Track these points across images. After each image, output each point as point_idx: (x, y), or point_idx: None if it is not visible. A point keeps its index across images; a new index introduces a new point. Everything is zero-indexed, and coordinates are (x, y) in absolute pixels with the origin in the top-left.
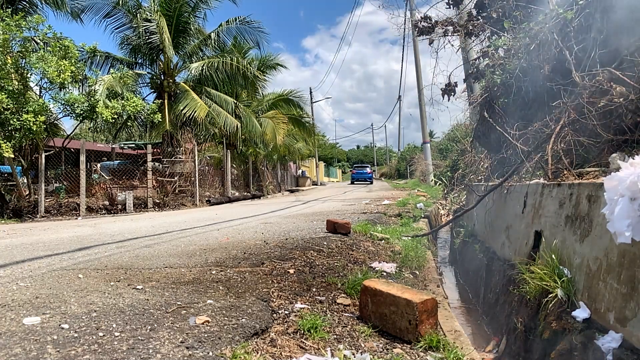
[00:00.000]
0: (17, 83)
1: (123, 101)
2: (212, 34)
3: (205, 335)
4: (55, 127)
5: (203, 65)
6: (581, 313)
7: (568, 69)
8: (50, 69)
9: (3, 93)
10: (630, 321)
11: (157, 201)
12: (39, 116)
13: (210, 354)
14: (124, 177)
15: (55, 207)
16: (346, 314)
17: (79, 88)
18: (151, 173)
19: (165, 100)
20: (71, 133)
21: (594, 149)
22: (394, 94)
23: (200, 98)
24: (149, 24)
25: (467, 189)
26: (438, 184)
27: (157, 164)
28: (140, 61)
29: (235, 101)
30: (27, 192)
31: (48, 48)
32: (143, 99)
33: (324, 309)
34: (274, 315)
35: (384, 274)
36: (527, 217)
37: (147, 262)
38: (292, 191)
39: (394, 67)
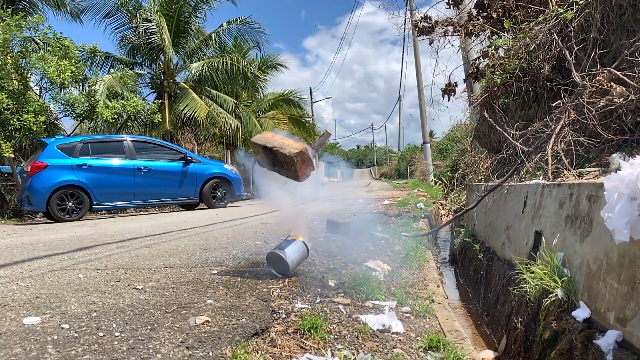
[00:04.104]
0: (17, 83)
1: (123, 101)
2: (212, 34)
3: (206, 335)
4: (56, 127)
5: (203, 65)
6: (581, 313)
7: (568, 69)
8: (50, 69)
9: (3, 93)
10: (630, 321)
11: None
12: (39, 116)
13: (211, 353)
14: None
15: None
16: (346, 314)
17: (79, 88)
18: None
19: (166, 100)
20: (71, 133)
21: (594, 149)
22: (394, 94)
23: (201, 98)
24: (149, 24)
25: (467, 189)
26: (438, 184)
27: None
28: (140, 61)
29: (235, 101)
30: None
31: (48, 48)
32: (143, 99)
33: (324, 308)
34: (274, 315)
35: (383, 273)
36: (527, 217)
37: (147, 262)
38: None
39: (395, 67)
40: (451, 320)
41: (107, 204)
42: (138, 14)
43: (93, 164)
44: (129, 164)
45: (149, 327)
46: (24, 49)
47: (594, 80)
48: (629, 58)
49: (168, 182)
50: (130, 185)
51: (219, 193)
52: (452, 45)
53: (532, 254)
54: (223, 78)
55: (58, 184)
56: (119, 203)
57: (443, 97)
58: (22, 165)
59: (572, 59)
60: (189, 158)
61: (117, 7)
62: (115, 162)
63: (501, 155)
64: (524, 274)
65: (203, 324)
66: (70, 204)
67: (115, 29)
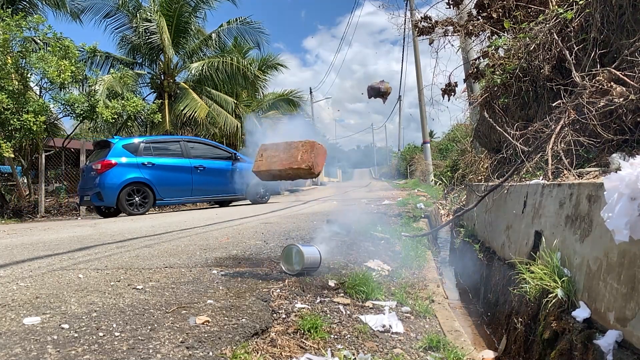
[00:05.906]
0: (17, 83)
1: (123, 101)
2: (212, 34)
3: (206, 335)
4: (56, 127)
5: (203, 65)
6: (581, 313)
7: (568, 69)
8: (50, 69)
9: (3, 93)
10: (630, 321)
11: None
12: (39, 116)
13: (211, 353)
14: None
15: (55, 207)
16: (346, 314)
17: (79, 88)
18: None
19: (166, 100)
20: (71, 133)
21: (594, 149)
22: (394, 94)
23: (201, 98)
24: (149, 24)
25: (467, 189)
26: (438, 184)
27: None
28: (140, 61)
29: (235, 101)
30: (27, 192)
31: (48, 48)
32: (143, 99)
33: (324, 308)
34: (274, 315)
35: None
36: (527, 217)
37: (147, 262)
38: (292, 191)
39: (395, 67)
40: (451, 320)
41: (168, 199)
42: (138, 14)
43: (156, 162)
44: (187, 162)
45: (149, 327)
46: (24, 49)
47: (594, 80)
48: (629, 58)
49: (221, 179)
50: (188, 182)
51: (262, 190)
52: (452, 45)
53: (532, 254)
54: (223, 78)
55: (127, 181)
56: (179, 199)
57: (443, 97)
58: (86, 163)
59: (572, 59)
60: (238, 157)
61: (117, 7)
62: (176, 160)
63: (501, 155)
64: (524, 274)
65: (203, 324)
66: (137, 199)
67: (115, 29)
